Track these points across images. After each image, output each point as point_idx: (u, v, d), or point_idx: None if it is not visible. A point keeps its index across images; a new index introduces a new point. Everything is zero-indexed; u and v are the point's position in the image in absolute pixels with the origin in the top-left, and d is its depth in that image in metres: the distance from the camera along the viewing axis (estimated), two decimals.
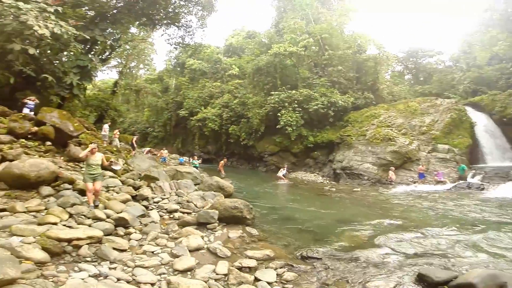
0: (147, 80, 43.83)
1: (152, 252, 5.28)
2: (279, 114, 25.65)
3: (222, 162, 18.64)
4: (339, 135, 23.12)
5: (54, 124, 9.51)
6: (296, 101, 25.86)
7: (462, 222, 8.45)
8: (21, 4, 9.79)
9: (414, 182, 17.33)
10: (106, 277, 4.15)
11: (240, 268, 4.86)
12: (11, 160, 7.32)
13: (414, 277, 4.63)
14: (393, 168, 18.06)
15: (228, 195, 10.23)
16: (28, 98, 11.33)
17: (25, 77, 11.64)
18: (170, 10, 18.24)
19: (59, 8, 11.00)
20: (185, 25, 19.91)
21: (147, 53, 38.38)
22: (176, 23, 19.36)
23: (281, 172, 19.35)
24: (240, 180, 19.06)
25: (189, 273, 4.60)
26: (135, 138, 19.35)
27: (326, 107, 24.97)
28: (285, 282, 4.59)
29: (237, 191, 12.86)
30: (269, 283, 4.46)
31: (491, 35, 25.91)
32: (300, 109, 25.64)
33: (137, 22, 18.77)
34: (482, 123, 21.31)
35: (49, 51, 12.47)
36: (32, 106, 11.15)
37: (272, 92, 27.35)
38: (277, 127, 25.68)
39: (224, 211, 7.21)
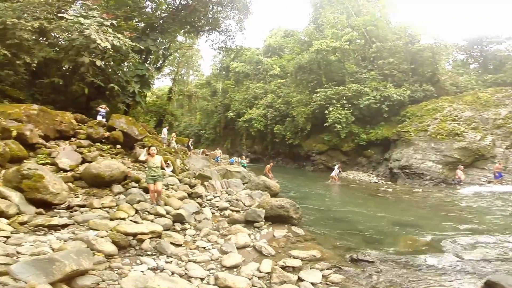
0: (197, 85, 46.51)
1: (204, 247, 5.56)
2: (327, 112, 24.83)
3: (268, 166, 18.58)
4: (396, 131, 21.42)
5: (123, 129, 10.64)
6: (344, 97, 24.78)
7: None
8: (82, 19, 10.90)
9: (489, 182, 15.20)
10: (162, 270, 4.43)
11: (284, 268, 4.84)
12: (89, 162, 8.47)
13: (481, 285, 4.14)
14: (461, 166, 16.06)
15: (274, 195, 10.32)
16: (100, 106, 12.80)
17: (95, 87, 12.95)
18: (209, 16, 19.21)
19: (114, 22, 12.13)
20: (225, 30, 20.77)
21: (195, 60, 40.73)
22: (217, 28, 20.30)
23: (335, 172, 18.69)
24: (287, 180, 18.94)
25: (235, 269, 4.75)
26: (190, 140, 20.96)
27: (379, 101, 23.39)
28: (331, 284, 4.43)
29: (283, 191, 12.83)
30: (313, 284, 4.35)
31: None
32: (349, 105, 24.50)
33: (182, 30, 20.21)
34: None
35: (112, 62, 13.69)
36: (104, 113, 12.58)
37: (318, 90, 26.62)
38: (325, 125, 24.90)
39: (270, 210, 7.30)
